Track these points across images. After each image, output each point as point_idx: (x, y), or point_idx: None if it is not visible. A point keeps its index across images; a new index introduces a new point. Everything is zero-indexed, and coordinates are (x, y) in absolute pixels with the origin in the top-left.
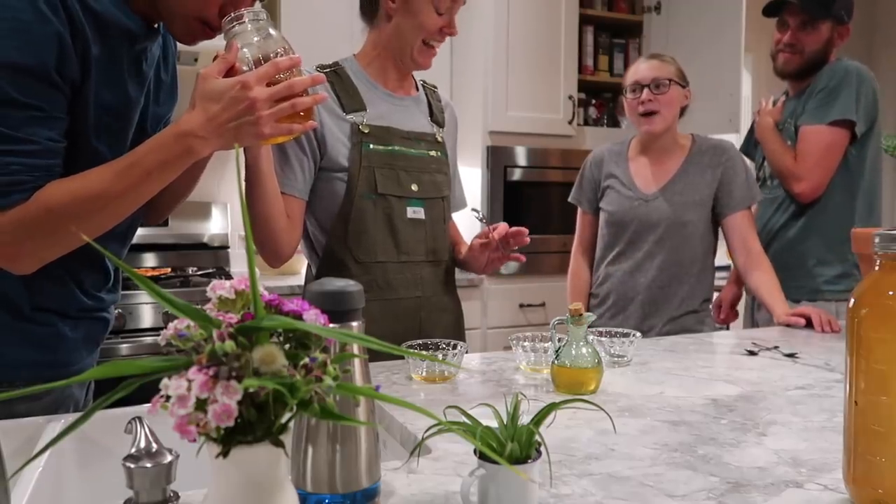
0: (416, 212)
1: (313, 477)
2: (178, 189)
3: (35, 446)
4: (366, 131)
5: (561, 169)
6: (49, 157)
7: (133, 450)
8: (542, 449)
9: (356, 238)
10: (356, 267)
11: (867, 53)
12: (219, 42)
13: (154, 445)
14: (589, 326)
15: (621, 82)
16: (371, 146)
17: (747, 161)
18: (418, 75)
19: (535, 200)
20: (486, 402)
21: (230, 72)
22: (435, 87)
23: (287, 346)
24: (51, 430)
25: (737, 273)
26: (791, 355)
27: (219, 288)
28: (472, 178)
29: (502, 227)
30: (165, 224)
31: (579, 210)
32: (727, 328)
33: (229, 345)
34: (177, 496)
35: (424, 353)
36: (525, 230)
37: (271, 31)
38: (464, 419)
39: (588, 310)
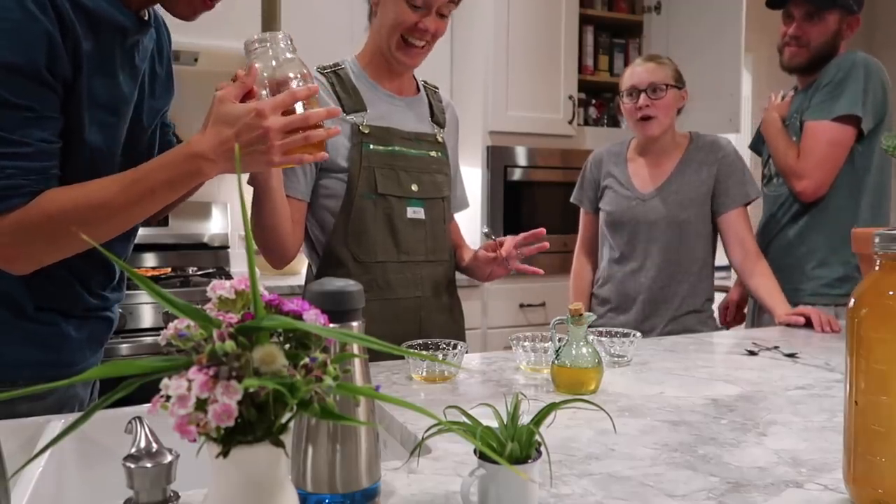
0: (416, 212)
1: (313, 477)
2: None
3: (35, 446)
4: (366, 132)
5: (561, 169)
6: (43, 160)
7: (133, 450)
8: (543, 449)
9: (356, 238)
10: (356, 267)
11: (867, 53)
12: (221, 43)
13: (154, 445)
14: (589, 326)
15: (619, 83)
16: (371, 146)
17: (745, 158)
18: (420, 75)
19: (535, 200)
20: (486, 402)
21: (247, 94)
22: (437, 88)
23: (287, 346)
24: (51, 430)
25: None
26: (791, 355)
27: (219, 288)
28: (472, 178)
29: (509, 241)
30: (165, 224)
31: (581, 210)
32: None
33: (229, 345)
34: (177, 496)
35: (424, 353)
36: (542, 231)
37: (291, 55)
38: (464, 419)
39: (590, 310)
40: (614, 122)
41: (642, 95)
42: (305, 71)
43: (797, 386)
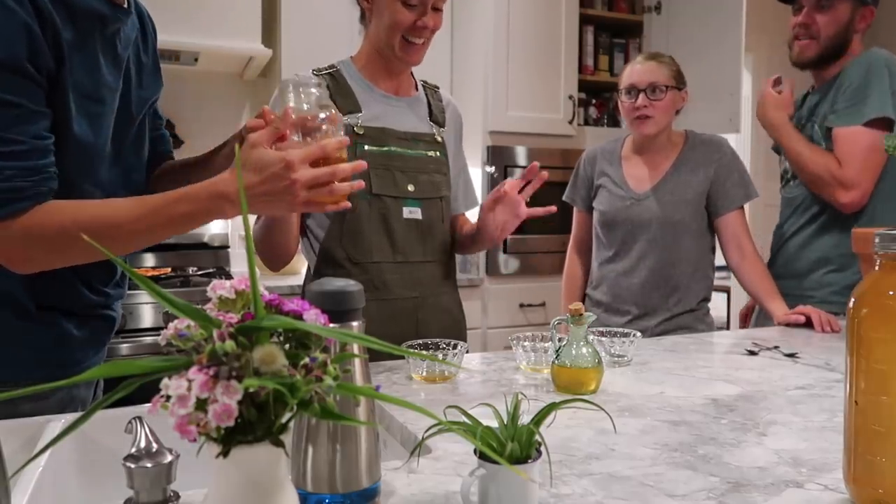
0: (412, 212)
1: (313, 477)
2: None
3: (35, 446)
4: (360, 132)
5: (561, 169)
6: (39, 157)
7: (133, 450)
8: (543, 449)
9: (351, 238)
10: (352, 267)
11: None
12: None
13: (154, 445)
14: (589, 326)
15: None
16: (366, 147)
17: (745, 157)
18: (420, 75)
19: (535, 200)
20: (486, 401)
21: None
22: (437, 88)
23: (287, 345)
24: (51, 430)
25: None
26: (791, 355)
27: (219, 288)
28: (472, 178)
29: (510, 183)
30: None
31: (574, 209)
32: (727, 328)
33: (229, 345)
34: (177, 496)
35: (425, 353)
36: (535, 164)
37: (325, 101)
38: (464, 419)
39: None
40: (614, 122)
41: (641, 95)
42: (337, 116)
43: (797, 386)
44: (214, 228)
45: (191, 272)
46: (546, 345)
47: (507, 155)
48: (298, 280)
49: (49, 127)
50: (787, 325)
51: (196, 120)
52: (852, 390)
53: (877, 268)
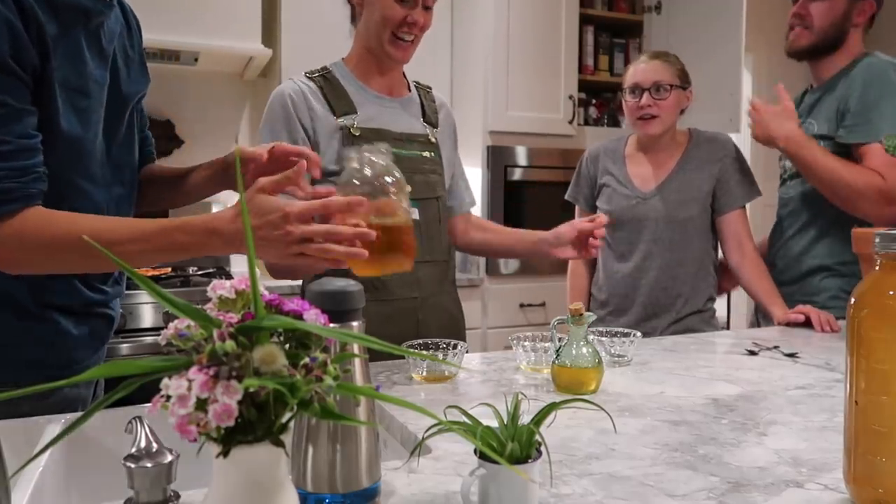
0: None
1: (313, 476)
2: (176, 199)
3: (35, 446)
4: (356, 134)
5: (561, 169)
6: (26, 157)
7: (133, 449)
8: (543, 449)
9: None
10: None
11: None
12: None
13: (154, 445)
14: (589, 326)
15: (621, 80)
16: None
17: (746, 156)
18: (420, 75)
19: (536, 200)
20: (486, 401)
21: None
22: (429, 88)
23: (287, 345)
24: (51, 430)
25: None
26: (791, 355)
27: (219, 288)
28: (472, 178)
29: (588, 227)
30: None
31: (577, 208)
32: (727, 328)
33: (229, 345)
34: (177, 496)
35: (425, 353)
36: (602, 219)
37: (392, 168)
38: (464, 419)
39: (589, 311)
40: (615, 122)
41: (645, 95)
42: (401, 183)
43: (797, 386)
44: None
45: (191, 272)
46: (546, 345)
47: (507, 155)
48: (298, 280)
49: (35, 125)
50: (787, 324)
51: (196, 120)
52: (852, 390)
53: (877, 268)
